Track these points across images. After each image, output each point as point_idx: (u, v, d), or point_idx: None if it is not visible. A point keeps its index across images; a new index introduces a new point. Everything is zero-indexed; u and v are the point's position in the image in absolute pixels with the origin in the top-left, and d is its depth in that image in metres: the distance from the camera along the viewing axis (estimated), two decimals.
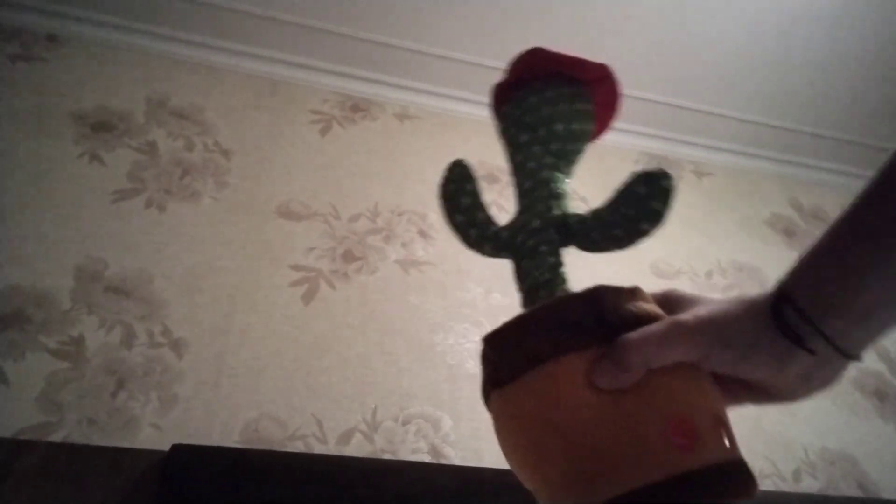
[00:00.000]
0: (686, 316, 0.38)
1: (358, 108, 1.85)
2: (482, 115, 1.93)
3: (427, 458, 1.22)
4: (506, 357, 0.39)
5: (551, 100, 0.47)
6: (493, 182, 1.77)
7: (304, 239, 1.49)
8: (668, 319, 0.38)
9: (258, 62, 1.82)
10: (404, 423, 1.26)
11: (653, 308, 0.39)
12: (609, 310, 0.38)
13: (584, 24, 1.84)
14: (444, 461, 1.22)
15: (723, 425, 0.37)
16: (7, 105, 1.49)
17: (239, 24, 1.76)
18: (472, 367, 1.38)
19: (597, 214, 0.42)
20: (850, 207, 0.38)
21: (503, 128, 0.50)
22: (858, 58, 1.99)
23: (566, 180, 0.47)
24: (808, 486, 1.42)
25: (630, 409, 0.35)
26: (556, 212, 0.44)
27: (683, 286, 1.85)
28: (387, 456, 1.20)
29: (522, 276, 0.44)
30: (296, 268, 1.43)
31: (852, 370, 1.68)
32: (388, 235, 1.56)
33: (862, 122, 2.18)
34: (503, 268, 0.58)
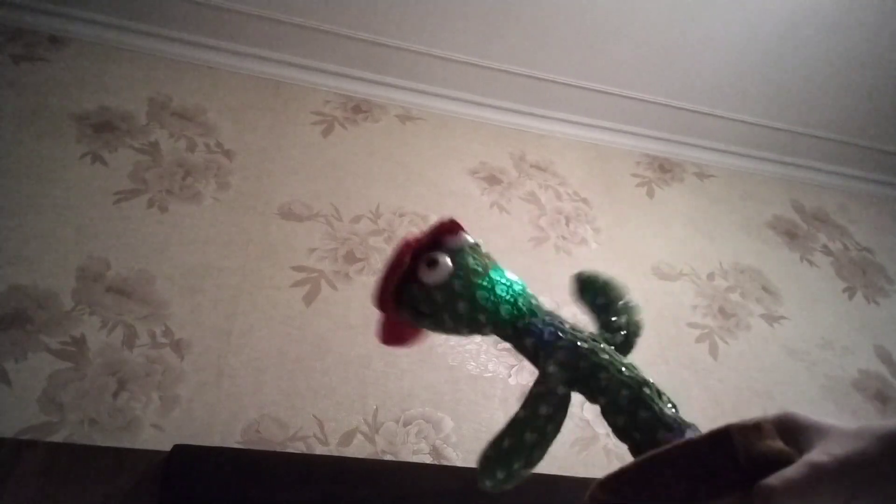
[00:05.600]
0: (823, 458, 0.36)
1: (360, 110, 1.85)
2: (484, 116, 1.93)
3: (428, 460, 1.21)
4: None
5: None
6: (495, 183, 1.77)
7: (306, 240, 1.49)
8: (805, 462, 0.36)
9: (261, 63, 1.82)
10: (405, 425, 1.26)
11: (781, 446, 0.38)
12: (741, 452, 0.36)
13: (585, 27, 1.84)
14: (445, 462, 1.22)
15: None
16: (9, 105, 1.50)
17: (241, 26, 1.76)
18: (473, 369, 1.38)
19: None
20: None
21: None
22: (860, 60, 1.99)
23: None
24: None
25: None
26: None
27: (685, 288, 1.84)
28: (388, 457, 1.20)
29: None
30: (297, 268, 1.43)
31: (853, 372, 1.68)
32: (390, 236, 1.56)
33: (864, 125, 2.17)
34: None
